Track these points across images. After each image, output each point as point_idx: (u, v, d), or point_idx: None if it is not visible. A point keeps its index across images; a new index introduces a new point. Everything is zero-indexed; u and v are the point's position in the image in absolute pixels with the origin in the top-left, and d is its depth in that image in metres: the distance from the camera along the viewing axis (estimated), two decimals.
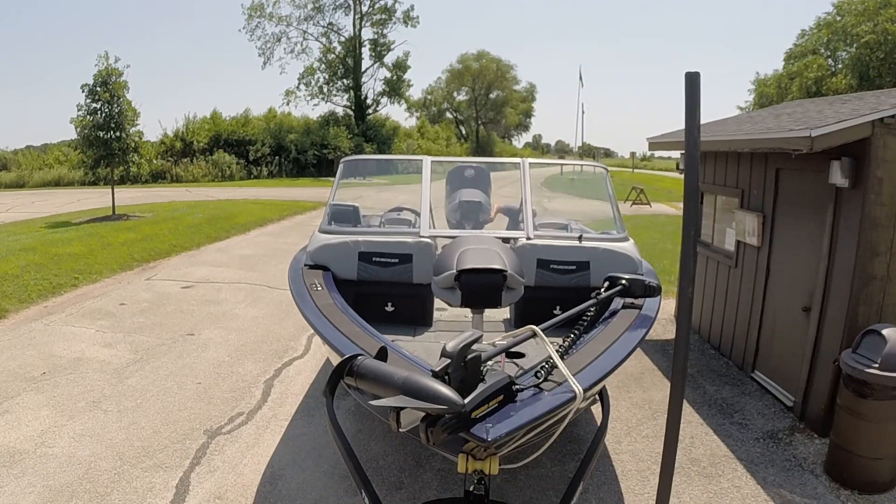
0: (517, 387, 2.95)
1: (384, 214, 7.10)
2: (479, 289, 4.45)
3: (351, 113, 51.87)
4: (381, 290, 5.54)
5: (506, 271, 4.43)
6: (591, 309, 4.20)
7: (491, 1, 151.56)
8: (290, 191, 29.47)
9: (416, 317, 5.62)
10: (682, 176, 3.91)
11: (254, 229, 17.22)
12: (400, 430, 2.60)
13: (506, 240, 5.56)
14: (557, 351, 3.44)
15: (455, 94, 77.81)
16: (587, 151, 77.17)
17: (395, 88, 53.94)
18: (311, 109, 71.50)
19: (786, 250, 5.99)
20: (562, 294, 5.35)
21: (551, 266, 5.46)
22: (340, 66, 51.69)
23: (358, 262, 5.50)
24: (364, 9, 50.97)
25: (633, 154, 67.45)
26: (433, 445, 2.62)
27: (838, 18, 37.76)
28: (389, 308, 5.61)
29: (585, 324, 4.06)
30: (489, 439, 2.56)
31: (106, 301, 9.44)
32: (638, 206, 24.54)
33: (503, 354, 3.62)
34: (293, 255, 6.20)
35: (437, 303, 5.39)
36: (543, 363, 3.30)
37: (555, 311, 5.24)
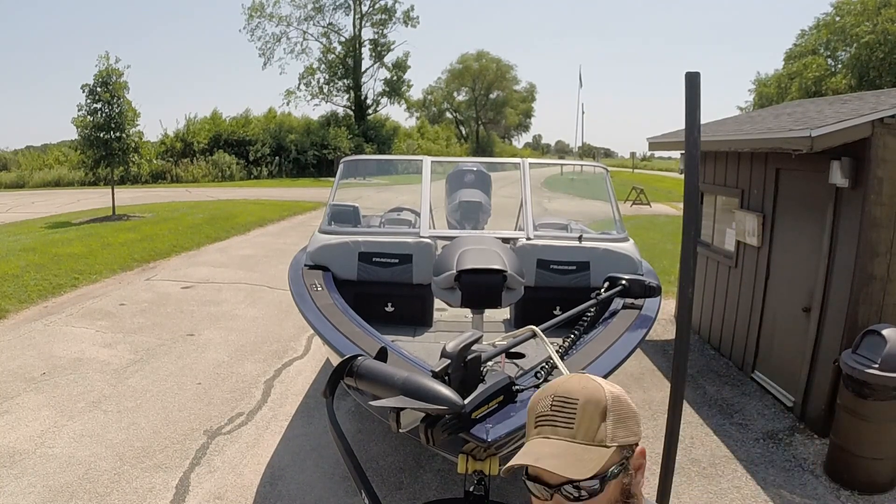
0: (517, 387, 2.95)
1: (384, 215, 7.10)
2: (479, 289, 4.44)
3: (351, 113, 51.84)
4: (381, 290, 5.53)
5: (506, 271, 4.42)
6: (591, 309, 4.20)
7: (491, 1, 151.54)
8: (290, 191, 29.46)
9: (416, 317, 5.62)
10: (683, 176, 3.91)
11: (254, 229, 17.22)
12: (400, 430, 2.60)
13: (506, 240, 5.56)
14: (557, 351, 3.44)
15: (455, 94, 77.83)
16: (587, 152, 77.20)
17: (395, 88, 53.91)
18: (311, 110, 71.73)
19: (786, 250, 5.99)
20: (562, 294, 5.35)
21: (551, 266, 5.46)
22: (340, 67, 51.67)
23: (358, 262, 5.50)
24: (364, 9, 50.98)
25: (633, 154, 67.48)
26: (433, 446, 2.61)
27: (837, 19, 37.77)
28: (389, 308, 5.60)
29: (585, 324, 4.06)
30: (489, 440, 2.56)
31: (106, 301, 9.44)
32: (638, 207, 24.54)
33: (503, 355, 3.62)
34: (293, 255, 6.20)
35: (437, 303, 5.39)
36: (543, 363, 3.30)
37: (555, 312, 5.23)
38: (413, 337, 5.31)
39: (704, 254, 7.68)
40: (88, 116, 17.68)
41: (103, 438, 5.16)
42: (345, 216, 6.34)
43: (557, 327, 3.86)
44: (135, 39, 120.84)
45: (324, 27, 50.91)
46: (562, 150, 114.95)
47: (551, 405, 1.23)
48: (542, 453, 1.18)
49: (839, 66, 37.95)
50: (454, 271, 4.45)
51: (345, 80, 52.01)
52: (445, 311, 5.84)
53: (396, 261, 5.48)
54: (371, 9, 51.12)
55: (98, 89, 17.58)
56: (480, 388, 2.75)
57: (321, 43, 51.49)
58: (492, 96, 78.09)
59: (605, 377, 3.49)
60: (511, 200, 7.71)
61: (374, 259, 5.49)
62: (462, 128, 77.69)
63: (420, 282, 5.41)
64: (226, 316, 8.80)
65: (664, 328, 8.22)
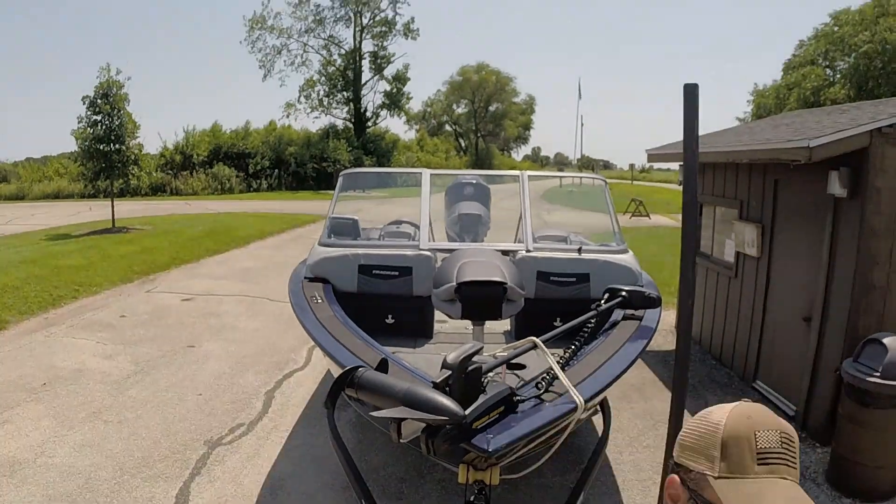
0: (518, 398, 2.96)
1: (383, 227, 7.11)
2: (479, 301, 4.45)
3: (350, 126, 51.95)
4: (382, 302, 5.54)
5: (506, 283, 4.43)
6: (592, 320, 4.21)
7: (490, 13, 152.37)
8: (289, 204, 29.49)
9: (416, 329, 5.62)
10: (682, 188, 3.93)
11: (253, 242, 17.22)
12: (401, 441, 2.61)
13: (505, 252, 5.57)
14: (558, 362, 3.45)
15: (454, 106, 77.93)
16: (586, 164, 77.35)
17: (394, 101, 54.04)
18: (311, 122, 71.58)
19: (785, 260, 6.00)
20: (562, 306, 5.36)
21: (551, 278, 5.47)
22: (340, 79, 51.86)
23: (358, 274, 5.51)
24: (364, 21, 51.21)
25: (632, 166, 67.68)
26: (434, 456, 2.62)
27: (836, 29, 37.98)
28: (390, 320, 5.61)
29: (586, 335, 4.06)
30: (490, 450, 2.57)
31: (106, 313, 9.44)
32: (637, 218, 24.56)
33: (504, 366, 3.63)
34: (293, 267, 6.21)
35: (438, 315, 5.39)
36: (544, 374, 3.31)
37: (555, 323, 5.24)
38: (414, 349, 5.32)
39: (704, 265, 7.69)
40: (88, 128, 17.71)
41: (103, 448, 5.15)
42: (344, 229, 6.35)
43: (558, 338, 3.87)
44: (136, 51, 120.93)
45: (324, 39, 51.16)
46: (561, 163, 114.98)
47: (781, 442, 1.09)
48: (797, 497, 1.05)
49: (838, 76, 38.13)
50: (454, 283, 4.46)
51: (344, 93, 52.18)
52: (446, 323, 5.85)
53: (396, 273, 5.50)
54: (371, 21, 51.39)
55: (98, 101, 17.63)
56: (481, 398, 2.76)
57: (321, 55, 51.74)
58: (491, 108, 78.21)
59: (606, 388, 3.51)
60: (510, 213, 7.73)
61: (373, 271, 5.51)
62: (461, 140, 77.77)
63: (420, 294, 5.41)
64: (226, 328, 8.80)
65: (665, 339, 8.22)
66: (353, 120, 52.14)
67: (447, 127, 77.95)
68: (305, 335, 4.55)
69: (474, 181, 7.33)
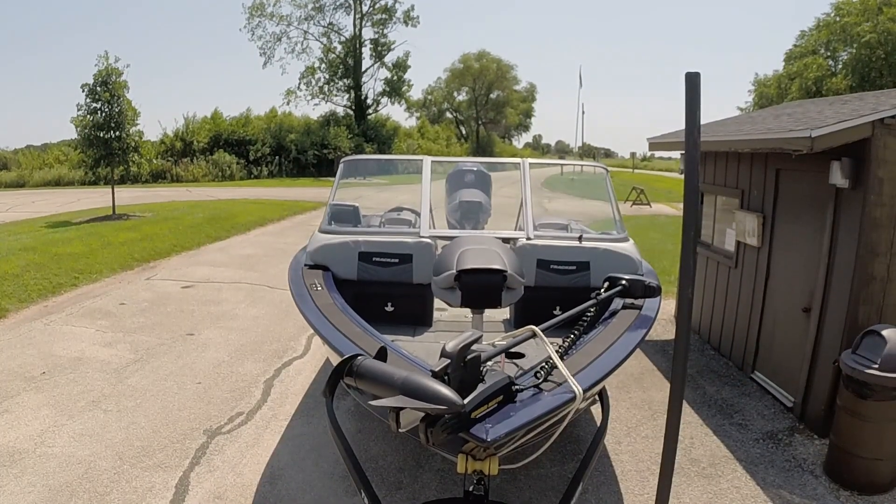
0: (517, 387, 2.95)
1: (384, 214, 7.10)
2: (478, 289, 4.44)
3: (351, 113, 51.89)
4: (381, 290, 5.54)
5: (506, 271, 4.42)
6: (591, 309, 4.20)
7: (492, 2, 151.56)
8: (290, 191, 29.47)
9: (415, 317, 5.62)
10: (683, 176, 3.91)
11: (254, 229, 17.21)
12: (399, 430, 2.60)
13: (506, 240, 5.56)
14: (557, 351, 3.44)
15: (455, 94, 77.91)
16: (587, 152, 77.32)
17: (395, 88, 53.94)
18: (311, 109, 71.49)
19: (786, 251, 5.98)
20: (562, 294, 5.35)
21: (551, 266, 5.46)
22: (341, 66, 51.71)
23: (358, 262, 5.50)
24: (364, 8, 51.03)
25: (633, 154, 67.68)
26: (433, 446, 2.61)
27: (837, 19, 37.81)
28: (389, 308, 5.60)
29: (585, 324, 4.05)
30: (489, 439, 2.56)
31: (106, 301, 9.44)
32: (638, 207, 24.54)
33: (503, 355, 3.62)
34: (293, 254, 6.20)
35: (437, 303, 5.39)
36: (543, 363, 3.30)
37: (555, 312, 5.23)
38: (413, 337, 5.32)
39: (704, 254, 7.68)
40: (88, 116, 17.68)
41: (103, 438, 5.16)
42: (345, 216, 6.34)
43: (557, 327, 3.86)
44: (135, 39, 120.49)
45: (324, 27, 51.02)
46: (562, 150, 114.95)
47: None
48: None
49: (839, 66, 37.99)
50: (454, 271, 4.45)
51: (345, 80, 52.05)
52: (445, 311, 5.84)
53: (396, 260, 5.49)
54: (371, 8, 51.22)
55: (98, 89, 17.57)
56: (480, 387, 2.76)
57: (322, 42, 51.63)
58: (492, 96, 78.13)
59: (605, 377, 3.51)
60: (511, 200, 7.72)
61: (374, 259, 5.50)
62: (462, 128, 77.74)
63: (420, 281, 5.41)
64: (226, 315, 8.80)
65: (664, 328, 8.22)
66: (353, 107, 52.06)
67: (448, 114, 77.93)
68: (305, 323, 4.55)
69: (475, 168, 7.31)
